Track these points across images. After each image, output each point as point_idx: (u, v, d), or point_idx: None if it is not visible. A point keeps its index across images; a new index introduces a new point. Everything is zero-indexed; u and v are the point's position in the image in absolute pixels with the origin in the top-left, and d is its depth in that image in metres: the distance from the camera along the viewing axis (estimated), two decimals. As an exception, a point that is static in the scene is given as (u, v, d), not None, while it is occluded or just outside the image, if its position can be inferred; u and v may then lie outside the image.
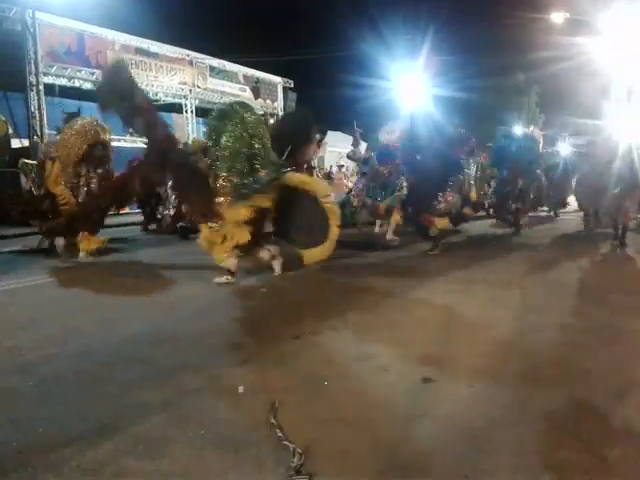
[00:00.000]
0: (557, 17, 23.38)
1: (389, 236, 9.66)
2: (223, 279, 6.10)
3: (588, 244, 9.46)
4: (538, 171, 11.78)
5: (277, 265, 6.55)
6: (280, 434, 2.52)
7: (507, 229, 11.20)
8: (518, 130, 15.94)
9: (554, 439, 2.49)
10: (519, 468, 2.26)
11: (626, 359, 3.50)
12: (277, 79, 26.79)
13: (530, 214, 13.18)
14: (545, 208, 15.47)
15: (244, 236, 6.00)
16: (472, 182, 9.74)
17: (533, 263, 7.42)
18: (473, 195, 9.52)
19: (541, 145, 15.84)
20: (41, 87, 16.41)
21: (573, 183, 14.50)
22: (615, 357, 3.54)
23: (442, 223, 8.33)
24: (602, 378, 3.18)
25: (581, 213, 13.81)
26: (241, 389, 2.99)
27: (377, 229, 10.83)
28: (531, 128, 17.32)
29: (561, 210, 15.61)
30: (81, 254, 7.85)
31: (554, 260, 7.58)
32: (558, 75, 25.81)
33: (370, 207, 10.10)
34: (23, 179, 10.11)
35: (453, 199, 8.53)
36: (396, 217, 9.50)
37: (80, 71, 17.97)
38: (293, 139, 8.60)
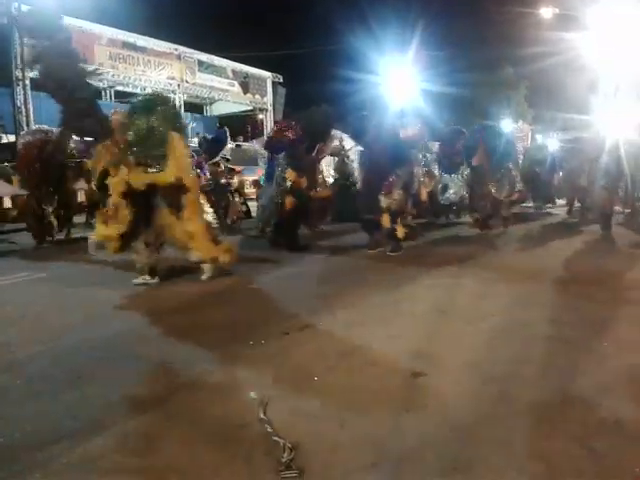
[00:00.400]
0: (546, 12, 23.50)
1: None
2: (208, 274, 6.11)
3: (575, 238, 9.52)
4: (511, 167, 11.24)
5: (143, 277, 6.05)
6: (270, 429, 2.52)
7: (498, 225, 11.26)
8: (507, 125, 16.01)
9: (543, 431, 2.51)
10: (508, 460, 2.28)
11: (613, 352, 3.53)
12: (266, 74, 26.73)
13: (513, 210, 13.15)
14: (530, 204, 15.35)
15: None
16: (422, 180, 9.31)
17: (520, 258, 7.47)
18: (423, 195, 9.07)
19: (529, 140, 15.90)
20: (27, 82, 16.25)
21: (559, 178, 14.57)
22: (602, 350, 3.57)
23: (385, 220, 7.73)
24: (590, 371, 3.21)
25: (566, 208, 13.96)
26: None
27: None
28: (520, 123, 17.42)
29: (548, 205, 15.55)
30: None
31: (541, 255, 7.63)
32: (546, 70, 25.94)
33: None
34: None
35: (397, 196, 7.83)
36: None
37: (67, 65, 17.81)
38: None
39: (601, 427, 2.53)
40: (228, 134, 11.67)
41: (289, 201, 8.18)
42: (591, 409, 2.72)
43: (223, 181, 11.30)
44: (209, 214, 6.33)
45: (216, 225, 6.54)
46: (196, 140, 14.41)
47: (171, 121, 6.03)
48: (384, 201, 7.56)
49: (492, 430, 2.53)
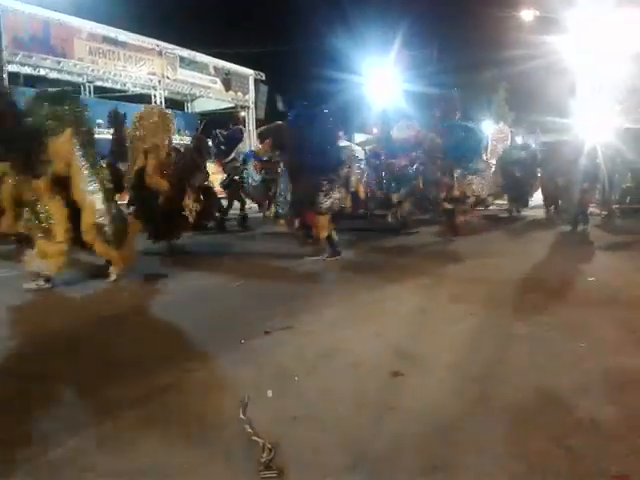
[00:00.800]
0: (526, 15, 23.77)
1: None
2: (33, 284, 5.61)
3: (552, 240, 9.64)
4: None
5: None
6: (249, 430, 2.50)
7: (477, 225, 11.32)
8: (487, 127, 16.00)
9: (521, 431, 2.53)
10: (487, 460, 2.29)
11: (589, 353, 3.56)
12: (249, 71, 26.60)
13: (485, 213, 13.08)
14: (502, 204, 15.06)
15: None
16: (360, 177, 9.05)
17: (499, 259, 7.52)
18: (361, 192, 8.81)
19: (509, 141, 15.87)
20: (5, 75, 16.01)
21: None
22: (579, 351, 3.61)
23: (322, 221, 7.16)
24: (567, 371, 3.24)
25: (543, 210, 14.04)
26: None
27: (390, 219, 10.87)
28: (501, 124, 17.53)
29: (523, 208, 15.08)
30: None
31: (520, 256, 7.70)
32: (527, 73, 26.22)
33: (382, 198, 10.28)
34: None
35: (340, 195, 7.42)
36: (406, 206, 9.74)
37: (46, 59, 17.59)
38: None
39: (578, 427, 2.56)
40: (244, 133, 11.53)
41: None
42: (568, 409, 2.74)
43: (237, 178, 11.24)
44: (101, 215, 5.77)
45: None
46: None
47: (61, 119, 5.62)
48: (325, 202, 7.13)
49: (472, 430, 2.54)
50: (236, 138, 11.47)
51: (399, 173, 9.79)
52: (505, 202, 14.66)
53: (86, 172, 5.63)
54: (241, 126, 11.99)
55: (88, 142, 5.80)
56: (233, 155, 11.23)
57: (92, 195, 5.64)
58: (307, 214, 7.24)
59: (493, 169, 13.86)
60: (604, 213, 12.33)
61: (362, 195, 8.66)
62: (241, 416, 2.63)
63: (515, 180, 13.56)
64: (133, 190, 7.72)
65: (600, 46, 20.34)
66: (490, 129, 17.84)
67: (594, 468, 2.23)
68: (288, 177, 7.49)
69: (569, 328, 4.11)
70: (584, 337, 3.87)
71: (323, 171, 7.20)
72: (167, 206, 7.48)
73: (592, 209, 12.32)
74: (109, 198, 5.88)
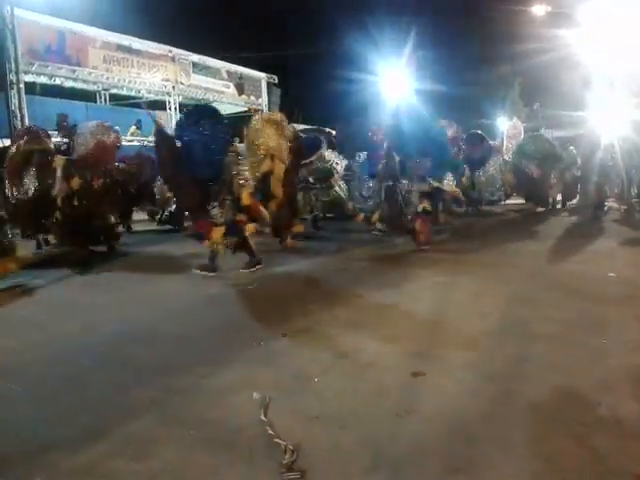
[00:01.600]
0: (538, 9, 23.58)
1: None
2: None
3: (569, 236, 9.54)
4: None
5: None
6: (271, 432, 2.51)
7: (494, 219, 11.24)
8: (502, 123, 15.65)
9: (543, 431, 2.51)
10: (509, 460, 2.28)
11: (612, 350, 3.53)
12: (261, 75, 26.64)
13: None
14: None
15: None
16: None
17: (518, 257, 7.46)
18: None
19: (521, 136, 15.54)
20: (21, 85, 16.18)
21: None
22: (601, 348, 3.57)
23: (216, 233, 6.35)
24: (589, 369, 3.21)
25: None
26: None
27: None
28: (514, 120, 17.32)
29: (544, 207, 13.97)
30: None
31: (539, 253, 7.62)
32: (540, 68, 25.95)
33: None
34: None
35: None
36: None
37: (61, 69, 17.77)
38: None
39: (601, 426, 2.53)
40: (323, 142, 10.99)
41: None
42: (591, 407, 2.72)
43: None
44: None
45: None
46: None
47: None
48: (219, 215, 6.45)
49: (493, 429, 2.52)
50: (311, 147, 11.09)
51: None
52: (520, 200, 14.43)
53: None
54: (320, 136, 11.56)
55: None
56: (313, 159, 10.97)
57: None
58: (199, 223, 6.64)
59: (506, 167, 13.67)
60: (623, 208, 12.16)
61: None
62: (262, 418, 2.64)
63: (526, 176, 12.98)
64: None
65: (614, 38, 20.07)
66: (505, 125, 17.63)
67: (617, 467, 2.21)
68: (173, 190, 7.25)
69: (590, 325, 4.07)
70: (605, 334, 3.83)
71: (209, 181, 6.48)
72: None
73: (611, 204, 12.21)
74: None
